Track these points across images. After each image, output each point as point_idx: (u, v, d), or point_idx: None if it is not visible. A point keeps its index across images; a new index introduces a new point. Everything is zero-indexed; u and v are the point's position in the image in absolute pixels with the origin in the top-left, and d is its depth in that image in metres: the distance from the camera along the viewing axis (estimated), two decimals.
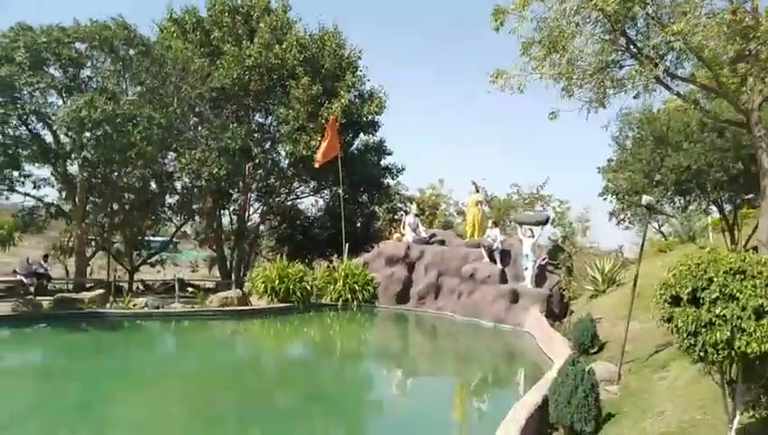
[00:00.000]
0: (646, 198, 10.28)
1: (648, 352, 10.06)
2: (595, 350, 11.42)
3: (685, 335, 4.62)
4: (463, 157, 77.03)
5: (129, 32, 17.80)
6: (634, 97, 7.82)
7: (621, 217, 15.09)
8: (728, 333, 4.35)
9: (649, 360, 9.69)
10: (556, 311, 16.32)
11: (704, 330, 4.49)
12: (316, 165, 20.26)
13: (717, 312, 4.42)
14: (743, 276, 4.52)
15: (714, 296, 4.48)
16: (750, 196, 12.19)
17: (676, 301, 4.80)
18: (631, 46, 7.41)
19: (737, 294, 4.43)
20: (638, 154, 12.01)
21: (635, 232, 26.68)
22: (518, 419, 6.87)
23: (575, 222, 29.52)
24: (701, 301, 4.60)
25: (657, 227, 21.26)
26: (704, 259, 4.77)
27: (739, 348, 4.32)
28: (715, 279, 4.54)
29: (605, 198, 18.81)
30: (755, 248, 11.63)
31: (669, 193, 12.20)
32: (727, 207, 13.14)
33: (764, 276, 4.47)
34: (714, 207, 15.03)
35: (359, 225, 25.80)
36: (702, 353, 4.52)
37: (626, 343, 9.62)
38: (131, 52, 18.36)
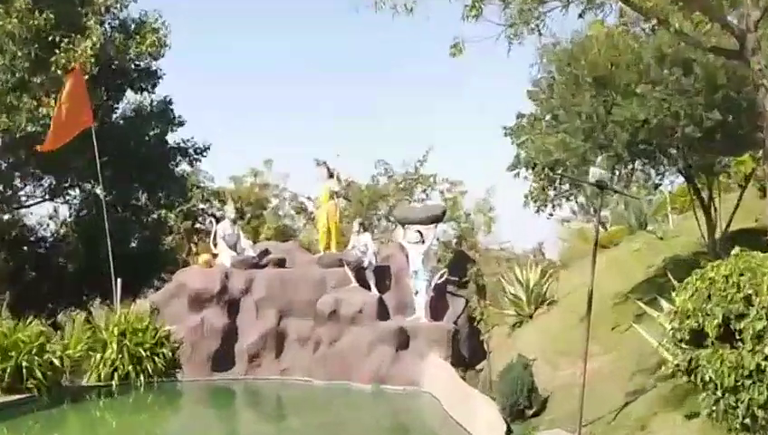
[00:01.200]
0: (596, 172, 10.55)
1: (613, 405, 10.37)
2: (534, 410, 11.64)
3: (719, 393, 4.50)
4: (297, 124, 76.69)
5: None
6: (579, 15, 7.86)
7: (541, 200, 15.60)
8: None
9: (618, 418, 9.97)
10: (466, 354, 16.64)
11: (748, 382, 4.39)
12: (43, 148, 19.27)
13: None
14: None
15: (759, 327, 4.39)
16: (728, 159, 13.13)
17: (698, 338, 4.68)
18: None
19: None
20: (573, 104, 12.32)
21: (557, 221, 28.39)
22: None
23: (474, 213, 30.77)
24: (738, 335, 4.51)
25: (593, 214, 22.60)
26: (734, 268, 4.69)
27: None
28: (757, 298, 4.47)
29: (516, 174, 19.52)
30: (746, 232, 12.56)
31: (622, 160, 12.69)
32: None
33: None
34: (669, 179, 16.16)
35: (134, 244, 25.04)
36: (748, 420, 4.42)
37: (584, 397, 9.77)
38: None
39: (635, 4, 7.98)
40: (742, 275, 4.67)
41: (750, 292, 4.59)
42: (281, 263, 19.27)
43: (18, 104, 20.07)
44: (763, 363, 4.43)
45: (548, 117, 14.49)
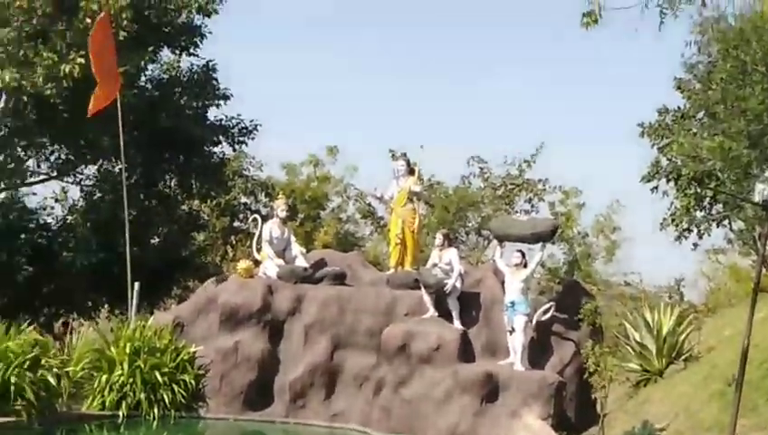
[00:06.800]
0: (764, 189, 10.30)
1: None
2: None
3: None
4: (373, 108, 77.11)
5: None
6: None
7: (684, 224, 15.36)
8: None
9: None
10: (572, 415, 16.52)
11: None
12: (92, 109, 19.45)
13: None
14: None
15: None
16: None
17: None
18: None
19: None
20: (740, 99, 12.08)
21: (704, 253, 27.81)
22: None
23: (593, 233, 30.37)
24: None
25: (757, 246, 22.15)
26: None
27: None
28: None
29: (654, 188, 19.14)
30: None
31: None
32: None
33: None
34: None
35: (158, 241, 25.49)
36: None
37: None
38: None
39: None
40: None
41: None
42: (340, 278, 19.28)
43: (30, 60, 20.38)
44: None
45: (702, 114, 14.23)
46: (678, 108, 15.37)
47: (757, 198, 10.14)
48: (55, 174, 26.00)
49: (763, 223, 11.11)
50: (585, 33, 8.67)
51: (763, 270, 19.58)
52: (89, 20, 20.15)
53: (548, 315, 17.47)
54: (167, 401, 16.93)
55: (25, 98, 21.06)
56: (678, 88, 14.91)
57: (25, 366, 15.81)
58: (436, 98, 73.60)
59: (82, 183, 26.56)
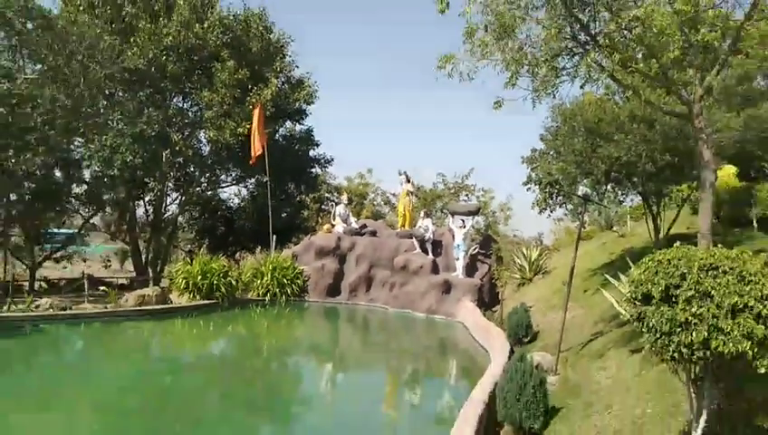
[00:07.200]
0: (582, 189, 10.30)
1: (581, 340, 10.06)
2: (528, 339, 11.40)
3: (658, 335, 4.34)
4: (391, 147, 77.21)
5: (25, 1, 15.72)
6: (581, 87, 7.62)
7: (543, 206, 15.20)
8: (705, 334, 4.10)
9: (584, 349, 9.66)
10: (486, 300, 16.37)
11: (679, 330, 4.22)
12: (254, 155, 19.28)
13: (693, 311, 4.16)
14: (716, 273, 4.28)
15: (689, 295, 4.21)
16: (672, 187, 12.60)
17: (646, 299, 4.52)
18: (581, 34, 7.15)
19: (712, 292, 4.19)
20: (571, 144, 11.97)
21: (552, 220, 27.60)
22: (470, 420, 6.48)
23: (498, 211, 30.28)
24: (674, 299, 4.33)
25: (578, 216, 22.01)
26: (675, 255, 4.50)
27: (716, 348, 4.09)
28: (689, 276, 4.27)
29: (528, 188, 19.18)
30: (680, 235, 12.00)
31: (600, 183, 12.30)
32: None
33: (736, 272, 4.25)
34: (630, 197, 15.57)
35: (284, 215, 24.96)
36: (676, 354, 4.26)
37: (562, 334, 9.53)
38: (29, 25, 16.27)
39: (618, 80, 7.64)
40: (680, 259, 4.46)
41: (684, 270, 4.38)
42: (373, 233, 19.28)
43: (224, 126, 20.11)
44: (690, 318, 4.22)
45: (552, 152, 14.13)
46: (541, 148, 15.16)
47: (579, 193, 10.09)
48: (234, 183, 25.56)
49: (581, 206, 11.06)
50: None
51: (583, 230, 19.49)
52: (251, 106, 20.02)
53: (475, 251, 17.53)
54: (289, 292, 16.99)
55: (220, 145, 20.77)
56: (541, 139, 14.74)
57: (220, 275, 15.98)
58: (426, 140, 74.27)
59: (248, 187, 26.27)
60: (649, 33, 5.98)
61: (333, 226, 19.18)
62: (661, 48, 6.44)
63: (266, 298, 16.73)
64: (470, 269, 17.04)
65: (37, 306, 13.37)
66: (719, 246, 4.74)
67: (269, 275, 16.94)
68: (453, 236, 17.20)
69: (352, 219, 19.69)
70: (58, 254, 20.38)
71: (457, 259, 16.81)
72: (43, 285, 18.49)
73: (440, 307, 15.71)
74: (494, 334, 11.47)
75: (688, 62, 7.07)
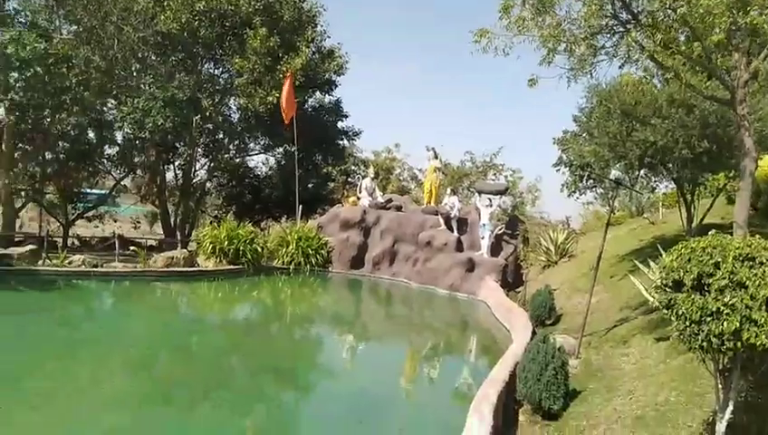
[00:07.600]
0: (615, 173, 10.08)
1: (605, 325, 10.02)
2: (551, 321, 11.39)
3: (687, 323, 4.32)
4: (420, 122, 76.49)
5: None
6: (619, 67, 7.44)
7: (573, 189, 14.95)
8: (737, 324, 4.07)
9: (608, 334, 9.63)
10: (510, 280, 16.30)
11: (709, 319, 4.20)
12: (286, 121, 19.26)
13: (726, 300, 4.13)
14: (752, 263, 4.23)
15: (722, 284, 4.17)
16: (708, 175, 12.27)
17: (677, 286, 4.49)
18: (623, 12, 6.95)
19: (746, 282, 4.14)
20: (605, 127, 11.71)
21: (581, 204, 27.23)
22: (490, 397, 6.56)
23: (526, 192, 29.91)
24: (706, 287, 4.30)
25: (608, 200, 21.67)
26: (709, 243, 4.45)
27: (747, 340, 4.06)
28: (723, 265, 4.23)
29: (558, 170, 18.85)
30: (714, 225, 11.77)
31: (633, 168, 12.03)
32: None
33: None
34: (662, 184, 15.22)
35: (311, 186, 25.04)
36: (705, 343, 4.25)
37: (586, 318, 9.51)
38: None
39: (659, 62, 7.43)
40: (714, 248, 4.41)
41: (719, 259, 4.32)
42: (399, 208, 19.19)
43: (254, 93, 20.07)
44: (721, 308, 4.19)
45: (585, 134, 13.84)
46: (573, 130, 14.86)
47: (611, 177, 9.93)
48: (262, 151, 25.74)
49: (613, 189, 10.89)
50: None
51: (612, 215, 19.19)
52: (281, 75, 19.98)
53: (501, 231, 17.41)
54: (313, 262, 17.14)
55: (249, 112, 20.85)
56: (574, 120, 14.43)
57: (246, 242, 16.18)
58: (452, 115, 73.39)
59: (276, 156, 26.34)
60: (695, 13, 5.78)
61: (359, 198, 19.20)
62: (706, 30, 6.23)
63: (290, 267, 16.93)
64: (495, 249, 16.95)
65: (70, 262, 13.83)
66: (757, 237, 4.66)
67: (294, 245, 17.10)
68: (479, 215, 17.09)
69: (378, 193, 19.69)
70: (90, 213, 21.04)
71: (482, 238, 16.73)
72: (76, 242, 19.07)
73: (463, 285, 15.70)
74: (517, 314, 11.48)
75: (734, 46, 6.82)
